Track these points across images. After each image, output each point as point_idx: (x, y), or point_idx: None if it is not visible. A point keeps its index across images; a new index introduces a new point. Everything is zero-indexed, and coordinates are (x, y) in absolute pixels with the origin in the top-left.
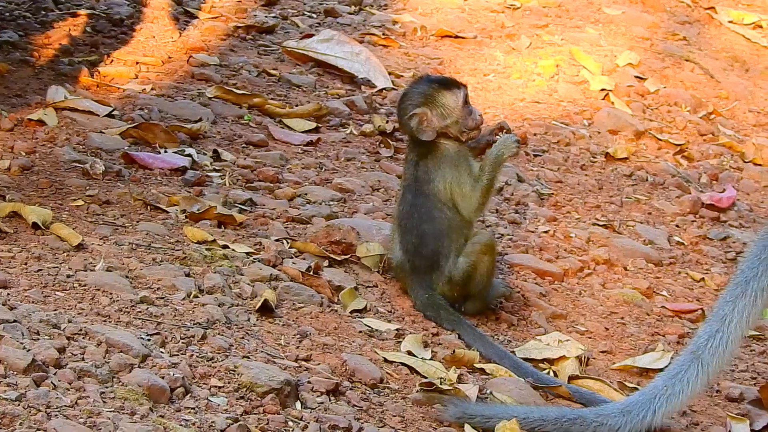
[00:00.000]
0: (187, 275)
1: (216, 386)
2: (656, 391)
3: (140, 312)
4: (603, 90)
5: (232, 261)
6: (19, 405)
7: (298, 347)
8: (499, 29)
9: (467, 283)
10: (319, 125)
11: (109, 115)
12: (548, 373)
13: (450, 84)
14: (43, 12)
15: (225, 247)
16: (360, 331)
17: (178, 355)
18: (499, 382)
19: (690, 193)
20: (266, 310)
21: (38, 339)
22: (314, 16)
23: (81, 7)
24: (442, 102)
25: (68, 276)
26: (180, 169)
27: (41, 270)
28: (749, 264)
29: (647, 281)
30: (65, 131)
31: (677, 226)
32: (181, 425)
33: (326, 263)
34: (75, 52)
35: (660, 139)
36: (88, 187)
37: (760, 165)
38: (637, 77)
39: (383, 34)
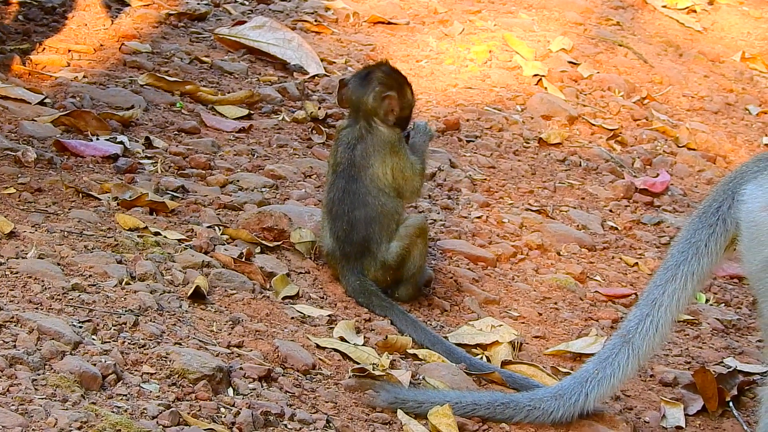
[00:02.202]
0: (119, 262)
1: (148, 373)
2: (587, 375)
3: (72, 299)
4: (536, 75)
5: (164, 248)
6: None
7: (230, 334)
8: (431, 15)
9: (401, 266)
10: (252, 112)
11: (41, 103)
12: (481, 358)
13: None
14: None
15: (157, 234)
16: (292, 318)
17: (109, 342)
18: (432, 367)
19: (623, 178)
20: (198, 297)
21: None
22: (246, 2)
23: None
24: (406, 94)
25: (0, 264)
26: (112, 156)
27: None
28: (679, 248)
29: (580, 266)
30: None
31: (611, 211)
32: (113, 412)
33: (258, 250)
34: (7, 40)
35: (593, 124)
36: (19, 175)
37: (693, 149)
38: (570, 62)
39: (315, 21)
